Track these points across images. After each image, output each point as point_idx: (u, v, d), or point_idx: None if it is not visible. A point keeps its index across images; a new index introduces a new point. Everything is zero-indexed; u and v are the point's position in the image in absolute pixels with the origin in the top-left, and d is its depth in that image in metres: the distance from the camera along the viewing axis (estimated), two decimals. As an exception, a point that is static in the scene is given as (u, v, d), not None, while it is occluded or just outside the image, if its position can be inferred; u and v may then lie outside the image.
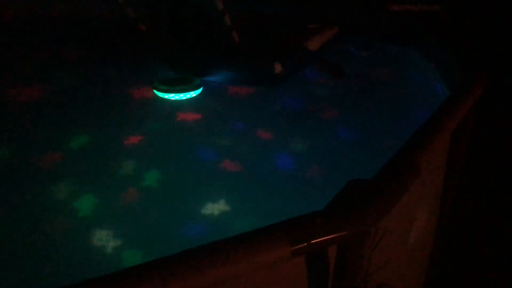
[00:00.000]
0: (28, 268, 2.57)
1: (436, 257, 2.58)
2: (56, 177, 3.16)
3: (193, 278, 1.14)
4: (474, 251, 2.76)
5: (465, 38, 3.33)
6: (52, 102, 3.70)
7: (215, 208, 3.04)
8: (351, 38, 4.04)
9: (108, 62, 3.66)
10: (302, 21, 3.72)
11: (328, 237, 1.28)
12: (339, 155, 3.50)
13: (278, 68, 3.25)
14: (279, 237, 1.24)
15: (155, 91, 3.59)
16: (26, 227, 2.83)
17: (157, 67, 3.63)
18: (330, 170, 3.32)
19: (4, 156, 3.27)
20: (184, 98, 3.56)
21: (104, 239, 2.77)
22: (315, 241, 1.26)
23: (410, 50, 4.02)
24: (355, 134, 3.64)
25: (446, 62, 3.12)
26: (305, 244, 1.24)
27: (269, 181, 3.32)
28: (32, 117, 3.58)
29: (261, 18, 3.73)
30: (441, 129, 1.95)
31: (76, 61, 3.72)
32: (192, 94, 3.59)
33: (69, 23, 3.95)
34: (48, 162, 3.27)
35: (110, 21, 3.71)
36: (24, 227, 2.81)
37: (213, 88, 3.70)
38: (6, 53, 3.84)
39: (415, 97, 3.86)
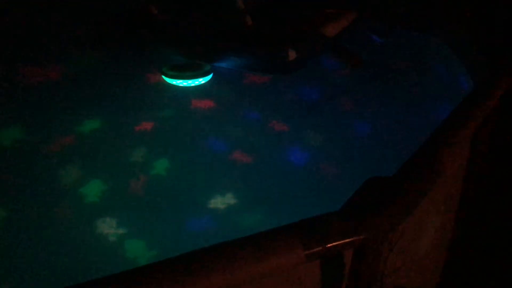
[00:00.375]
0: (30, 251, 2.55)
1: (452, 261, 2.48)
2: (66, 161, 3.12)
3: (196, 284, 1.07)
4: (492, 258, 2.65)
5: (493, 26, 3.12)
6: (67, 84, 3.66)
7: (222, 201, 2.97)
8: (369, 23, 3.87)
9: (122, 46, 3.57)
10: (319, 5, 3.57)
11: (345, 240, 1.20)
12: (356, 150, 3.37)
13: (292, 55, 3.12)
14: (292, 240, 1.16)
15: (163, 77, 3.48)
16: (33, 210, 2.80)
17: (168, 52, 3.53)
18: (346, 166, 3.20)
19: (15, 136, 3.23)
20: (193, 85, 3.45)
21: (108, 227, 2.72)
22: (331, 244, 1.18)
23: (433, 37, 3.81)
24: (373, 128, 3.50)
25: (471, 52, 2.96)
26: (320, 247, 1.17)
27: (281, 175, 3.22)
28: (46, 98, 3.53)
29: (277, 1, 3.59)
30: (465, 126, 1.84)
31: (92, 43, 3.64)
32: (201, 81, 3.47)
33: (85, 5, 3.88)
34: (59, 145, 3.22)
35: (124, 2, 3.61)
36: (30, 210, 2.79)
37: (224, 75, 3.57)
38: (23, 33, 3.79)
39: (437, 90, 3.66)
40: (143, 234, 2.75)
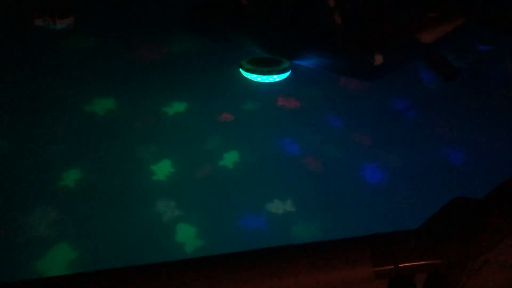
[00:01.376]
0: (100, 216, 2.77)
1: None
2: (145, 137, 3.32)
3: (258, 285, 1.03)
4: None
5: None
6: (168, 64, 3.87)
7: (281, 205, 2.88)
8: (475, 30, 3.40)
9: (210, 34, 3.65)
10: (424, 8, 3.21)
11: (420, 262, 1.08)
12: (442, 178, 3.03)
13: (378, 59, 2.86)
14: (363, 253, 1.07)
15: (240, 70, 3.47)
16: (109, 178, 3.03)
17: (250, 45, 3.50)
18: (422, 188, 2.91)
19: (109, 107, 3.51)
20: (267, 81, 3.36)
21: (167, 207, 2.83)
22: (404, 265, 1.07)
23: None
24: (465, 156, 3.09)
25: None
26: (392, 266, 1.06)
27: (349, 190, 3.03)
28: (142, 76, 3.80)
29: (374, 2, 3.32)
30: None
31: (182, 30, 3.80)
32: (276, 78, 3.37)
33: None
34: (144, 122, 3.44)
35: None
36: (106, 177, 3.02)
37: (304, 73, 3.43)
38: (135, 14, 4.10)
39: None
40: (197, 221, 2.79)
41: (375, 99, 3.59)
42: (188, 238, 2.72)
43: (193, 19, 3.72)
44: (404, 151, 3.20)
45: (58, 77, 3.51)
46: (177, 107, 3.59)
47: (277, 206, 2.91)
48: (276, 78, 3.35)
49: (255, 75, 3.37)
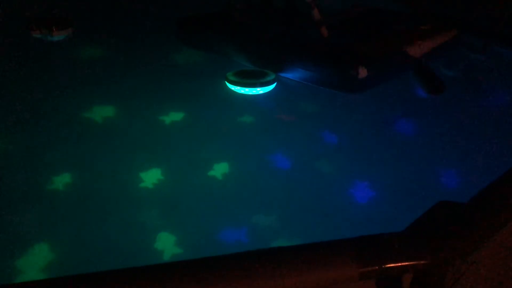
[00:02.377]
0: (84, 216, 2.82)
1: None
2: (140, 144, 3.37)
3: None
4: None
5: None
6: (166, 74, 3.94)
7: (264, 220, 2.82)
8: (466, 38, 3.28)
9: (200, 45, 3.70)
10: (415, 21, 3.12)
11: (405, 263, 1.12)
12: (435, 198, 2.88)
13: (362, 72, 2.80)
14: (348, 254, 1.12)
15: (226, 82, 3.47)
16: (99, 179, 3.08)
17: (237, 58, 3.50)
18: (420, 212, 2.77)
19: (109, 115, 3.59)
20: (251, 93, 3.33)
21: (149, 215, 2.84)
22: (388, 265, 1.11)
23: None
24: (460, 175, 2.93)
25: None
26: (376, 267, 1.11)
27: (338, 208, 2.93)
28: (146, 85, 3.89)
29: (371, 14, 3.25)
30: None
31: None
32: (260, 90, 3.35)
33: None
34: (140, 129, 3.49)
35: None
36: (97, 177, 3.08)
37: (291, 86, 3.38)
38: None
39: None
40: (177, 230, 2.78)
41: (372, 111, 3.50)
42: (166, 245, 2.71)
43: (185, 31, 3.79)
44: (399, 168, 3.09)
45: (56, 86, 3.64)
46: (174, 117, 3.64)
47: (261, 220, 2.86)
48: (259, 90, 3.32)
49: (238, 87, 3.37)
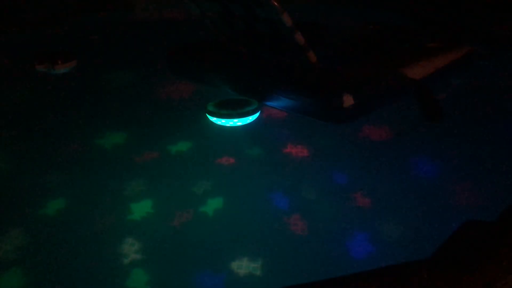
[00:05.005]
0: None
1: None
2: (140, 175, 3.30)
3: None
4: None
5: None
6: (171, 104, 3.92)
7: (247, 266, 2.58)
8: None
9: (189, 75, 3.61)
10: (421, 38, 2.72)
11: None
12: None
13: (348, 101, 2.45)
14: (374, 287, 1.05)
15: (207, 114, 3.28)
16: (86, 208, 3.03)
17: (226, 87, 3.30)
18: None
19: (116, 141, 3.60)
20: (228, 125, 3.08)
21: (130, 249, 2.71)
22: None
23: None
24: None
25: None
26: None
27: (328, 262, 2.60)
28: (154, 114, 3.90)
29: (379, 32, 2.89)
30: None
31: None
32: (237, 122, 3.10)
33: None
34: (143, 159, 3.45)
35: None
36: (83, 207, 3.03)
37: (275, 115, 3.08)
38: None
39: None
40: (153, 268, 2.64)
41: (391, 154, 3.10)
42: (138, 283, 2.57)
43: (174, 61, 3.71)
44: (409, 221, 2.67)
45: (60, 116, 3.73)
46: (181, 146, 3.55)
47: (243, 266, 2.61)
48: (237, 122, 3.07)
49: (215, 118, 3.16)
